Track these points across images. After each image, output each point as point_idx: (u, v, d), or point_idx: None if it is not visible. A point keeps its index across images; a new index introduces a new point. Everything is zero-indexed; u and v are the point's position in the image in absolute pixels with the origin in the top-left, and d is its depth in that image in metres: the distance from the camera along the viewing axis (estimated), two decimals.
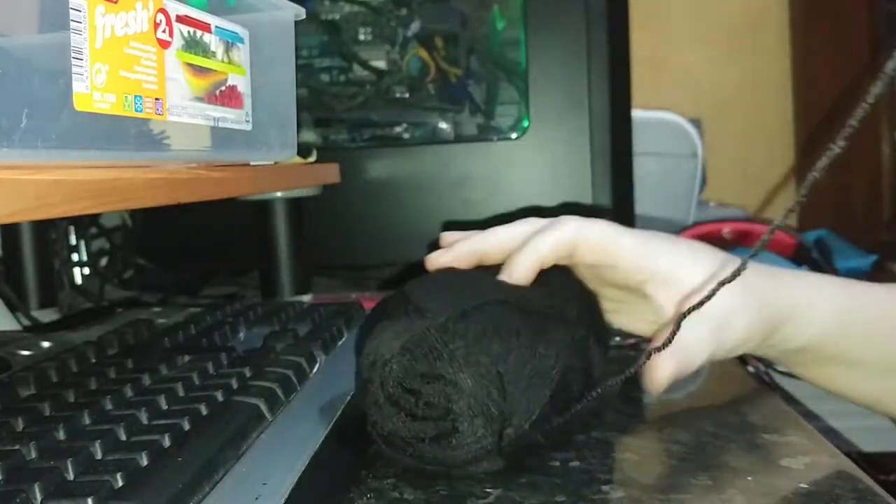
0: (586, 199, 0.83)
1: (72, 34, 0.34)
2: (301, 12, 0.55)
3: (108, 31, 0.36)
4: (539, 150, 0.85)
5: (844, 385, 0.52)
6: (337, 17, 0.88)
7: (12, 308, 0.72)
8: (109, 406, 0.39)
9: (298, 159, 0.66)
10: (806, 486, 0.37)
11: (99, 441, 0.34)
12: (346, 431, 0.42)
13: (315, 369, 0.49)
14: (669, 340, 0.40)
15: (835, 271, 1.02)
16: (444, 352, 0.39)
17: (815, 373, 0.52)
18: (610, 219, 0.49)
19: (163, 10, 0.40)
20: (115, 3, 0.36)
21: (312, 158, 0.71)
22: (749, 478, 0.38)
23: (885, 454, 0.85)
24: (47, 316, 0.77)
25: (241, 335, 0.58)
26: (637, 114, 0.89)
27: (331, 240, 0.88)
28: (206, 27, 0.45)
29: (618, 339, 0.59)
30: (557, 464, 0.41)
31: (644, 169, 0.94)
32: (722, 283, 0.38)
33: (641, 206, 0.90)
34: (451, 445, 0.38)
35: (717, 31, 1.72)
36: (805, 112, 1.74)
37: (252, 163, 0.55)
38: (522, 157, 0.85)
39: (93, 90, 0.35)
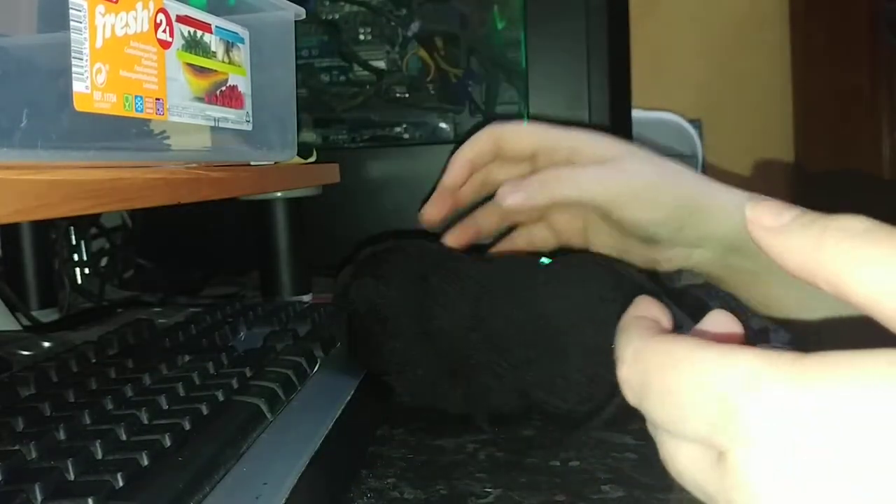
0: None
1: (72, 34, 0.34)
2: (301, 12, 0.55)
3: (109, 30, 0.36)
4: None
5: (781, 302, 0.52)
6: (337, 17, 0.88)
7: (12, 308, 0.72)
8: (109, 406, 0.39)
9: (298, 159, 0.66)
10: None
11: (99, 441, 0.34)
12: (346, 431, 0.42)
13: (315, 369, 0.49)
14: None
15: None
16: None
17: (754, 291, 0.53)
18: None
19: (163, 10, 0.40)
20: (116, 2, 0.36)
21: (312, 158, 0.71)
22: None
23: None
24: (47, 316, 0.77)
25: (241, 335, 0.58)
26: (637, 114, 0.89)
27: (331, 240, 0.88)
28: (206, 27, 0.45)
29: None
30: (557, 464, 0.41)
31: None
32: None
33: None
34: None
35: (717, 30, 1.72)
36: (804, 112, 1.74)
37: (252, 163, 0.55)
38: None
39: (93, 90, 0.35)
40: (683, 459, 0.23)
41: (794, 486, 0.19)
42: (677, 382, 0.22)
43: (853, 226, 0.21)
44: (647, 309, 0.27)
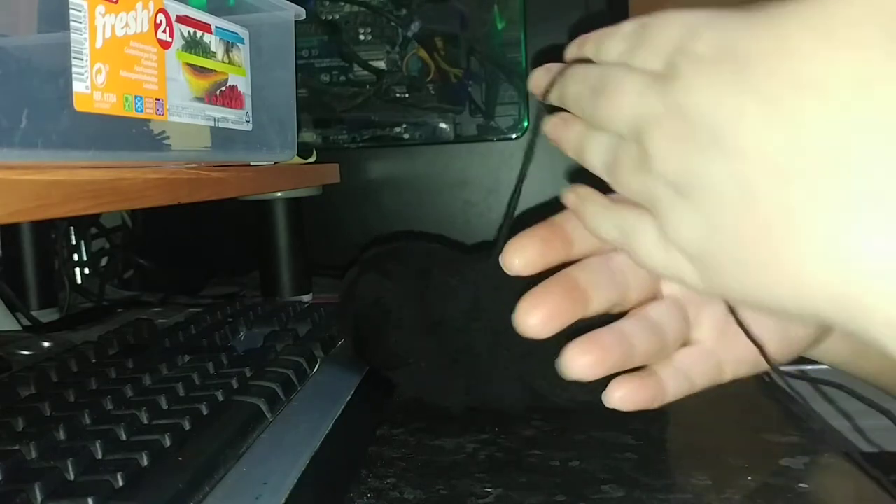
0: None
1: (72, 34, 0.34)
2: (301, 12, 0.55)
3: (109, 31, 0.36)
4: (539, 150, 0.85)
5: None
6: (337, 17, 0.88)
7: (12, 308, 0.72)
8: (109, 406, 0.39)
9: (298, 159, 0.66)
10: (806, 486, 0.37)
11: (99, 441, 0.34)
12: (345, 431, 0.42)
13: (315, 369, 0.49)
14: None
15: None
16: None
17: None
18: None
19: (163, 11, 0.40)
20: (116, 3, 0.36)
21: (312, 158, 0.71)
22: (749, 478, 0.38)
23: (885, 454, 0.85)
24: (47, 316, 0.77)
25: (241, 335, 0.58)
26: None
27: (331, 240, 0.88)
28: (206, 27, 0.45)
29: None
30: (557, 464, 0.41)
31: None
32: None
33: None
34: None
35: None
36: None
37: (252, 163, 0.55)
38: (522, 157, 0.85)
39: (93, 90, 0.35)
40: (633, 79, 0.28)
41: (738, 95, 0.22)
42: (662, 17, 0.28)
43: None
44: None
